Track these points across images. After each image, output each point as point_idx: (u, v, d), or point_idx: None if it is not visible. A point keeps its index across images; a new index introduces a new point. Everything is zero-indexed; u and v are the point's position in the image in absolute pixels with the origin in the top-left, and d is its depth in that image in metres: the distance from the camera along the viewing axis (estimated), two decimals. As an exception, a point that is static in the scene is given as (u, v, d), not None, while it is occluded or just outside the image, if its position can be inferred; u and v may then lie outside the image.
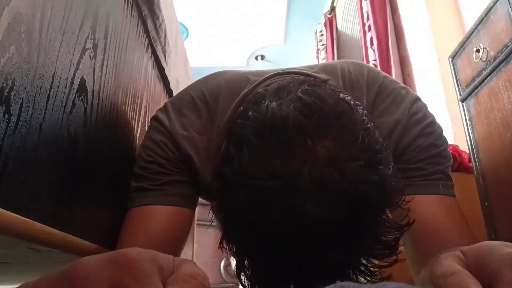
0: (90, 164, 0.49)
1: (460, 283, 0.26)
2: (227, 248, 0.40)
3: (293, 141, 0.34)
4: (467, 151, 1.05)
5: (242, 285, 0.40)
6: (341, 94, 0.40)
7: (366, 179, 0.33)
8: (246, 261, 0.39)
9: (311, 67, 0.62)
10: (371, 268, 0.37)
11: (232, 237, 0.39)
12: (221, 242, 0.40)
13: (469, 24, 1.17)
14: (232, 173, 0.36)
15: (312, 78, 0.54)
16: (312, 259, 0.34)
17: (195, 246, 1.37)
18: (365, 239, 0.35)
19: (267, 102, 0.38)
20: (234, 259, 0.40)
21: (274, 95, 0.39)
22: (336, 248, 0.33)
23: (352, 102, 0.39)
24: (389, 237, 0.37)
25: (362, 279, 0.37)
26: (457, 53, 1.06)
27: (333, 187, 0.32)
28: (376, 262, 0.38)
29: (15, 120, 0.32)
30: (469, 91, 0.99)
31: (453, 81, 1.07)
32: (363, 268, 0.36)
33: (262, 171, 0.33)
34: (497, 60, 0.86)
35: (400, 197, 0.38)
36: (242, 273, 0.39)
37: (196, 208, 0.60)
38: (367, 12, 2.15)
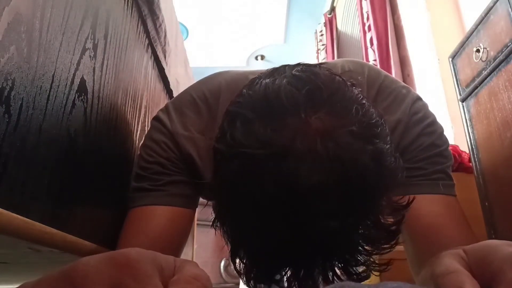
0: (90, 164, 0.49)
1: (457, 282, 0.26)
2: (221, 231, 0.39)
3: (286, 113, 0.33)
4: (467, 151, 1.05)
5: (237, 271, 0.38)
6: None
7: (361, 148, 0.32)
8: (241, 245, 0.38)
9: None
10: (369, 248, 0.35)
11: (226, 216, 0.38)
12: (213, 223, 0.39)
13: (469, 24, 1.17)
14: (224, 145, 0.35)
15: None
16: (307, 231, 0.33)
17: (195, 246, 1.37)
18: (362, 213, 0.34)
19: (261, 80, 0.38)
20: (228, 244, 0.39)
21: (268, 75, 0.39)
22: (331, 217, 0.32)
23: (347, 82, 0.38)
24: (388, 220, 0.36)
25: (361, 259, 0.35)
26: (457, 53, 1.06)
27: (326, 155, 0.31)
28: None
29: (15, 120, 0.32)
30: (469, 91, 0.99)
31: (453, 81, 1.07)
32: (361, 249, 0.35)
33: (254, 140, 0.33)
34: (497, 60, 0.86)
35: (399, 177, 0.37)
36: (238, 259, 0.38)
37: (196, 208, 0.60)
38: (367, 12, 2.15)
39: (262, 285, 0.39)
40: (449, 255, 0.30)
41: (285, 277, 0.36)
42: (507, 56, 0.84)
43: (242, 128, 0.34)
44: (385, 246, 0.36)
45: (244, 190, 0.34)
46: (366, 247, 0.35)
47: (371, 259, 0.36)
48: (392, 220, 0.36)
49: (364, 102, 0.36)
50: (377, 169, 0.33)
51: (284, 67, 0.41)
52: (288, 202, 0.32)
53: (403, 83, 0.60)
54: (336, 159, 0.31)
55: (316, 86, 0.35)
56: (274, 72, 0.40)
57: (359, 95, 0.37)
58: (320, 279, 0.35)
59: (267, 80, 0.37)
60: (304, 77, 0.36)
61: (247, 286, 0.39)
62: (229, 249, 0.38)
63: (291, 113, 0.33)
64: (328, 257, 0.35)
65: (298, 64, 0.40)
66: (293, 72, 0.37)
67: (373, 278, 0.92)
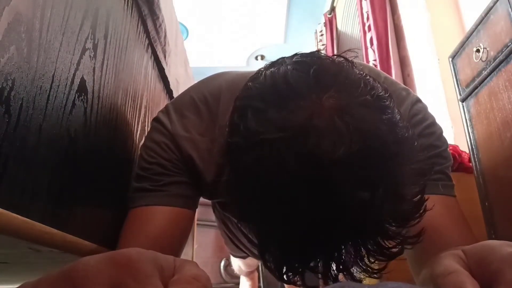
0: (90, 164, 0.49)
1: (457, 283, 0.26)
2: (247, 231, 0.38)
3: (297, 96, 0.33)
4: (467, 151, 1.05)
5: (268, 268, 0.37)
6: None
7: (377, 118, 0.33)
8: (271, 237, 0.37)
9: None
10: (399, 222, 0.35)
11: (251, 210, 0.37)
12: (239, 222, 0.39)
13: (469, 24, 1.17)
14: (240, 138, 0.35)
15: None
16: (339, 206, 0.32)
17: (195, 246, 1.37)
18: (389, 182, 0.33)
19: (264, 71, 0.38)
20: (256, 241, 0.38)
21: (269, 67, 0.39)
22: (361, 188, 0.32)
23: (348, 60, 0.39)
24: (413, 189, 0.36)
25: (392, 234, 0.35)
26: (457, 53, 1.06)
27: (346, 128, 0.31)
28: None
29: (15, 120, 0.32)
30: (469, 91, 0.99)
31: (453, 81, 1.07)
32: (391, 221, 0.34)
33: (270, 127, 0.32)
34: (497, 60, 0.86)
35: (415, 145, 0.37)
36: (267, 255, 0.37)
37: (197, 209, 0.60)
38: (367, 12, 2.15)
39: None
40: (448, 256, 0.30)
41: (319, 266, 0.35)
42: (507, 56, 0.84)
43: (256, 118, 0.34)
44: (413, 217, 0.36)
45: (269, 176, 0.33)
46: (395, 220, 0.35)
47: (402, 233, 0.36)
48: (415, 190, 0.36)
49: (368, 77, 0.37)
50: (394, 137, 0.33)
51: (282, 58, 0.41)
52: (316, 179, 0.31)
53: (402, 85, 0.60)
54: (356, 131, 0.31)
55: (321, 67, 0.35)
56: (274, 64, 0.40)
57: (362, 72, 0.38)
58: (352, 263, 0.35)
59: (272, 69, 0.37)
60: (307, 60, 0.36)
61: (281, 281, 0.38)
62: (258, 247, 0.38)
63: (302, 95, 0.33)
64: (360, 233, 0.34)
65: (296, 54, 0.41)
66: (294, 59, 0.38)
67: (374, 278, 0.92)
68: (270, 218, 0.35)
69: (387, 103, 0.35)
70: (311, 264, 0.36)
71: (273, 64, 0.40)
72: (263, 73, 0.38)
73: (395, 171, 0.34)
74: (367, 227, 0.34)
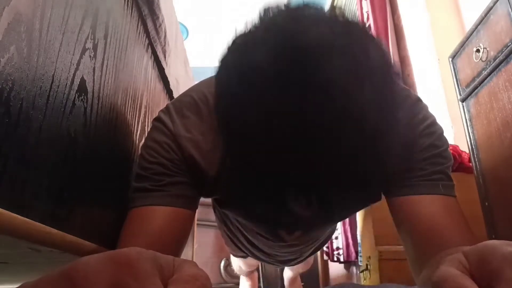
0: (90, 164, 0.49)
1: (455, 284, 0.26)
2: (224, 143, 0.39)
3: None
4: (467, 151, 1.05)
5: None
6: None
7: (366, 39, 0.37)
8: (246, 148, 0.38)
9: None
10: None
11: (230, 112, 0.40)
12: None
13: (469, 24, 1.17)
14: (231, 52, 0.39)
15: None
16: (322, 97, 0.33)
17: (195, 246, 1.38)
18: (371, 87, 0.35)
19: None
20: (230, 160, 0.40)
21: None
22: (346, 76, 0.33)
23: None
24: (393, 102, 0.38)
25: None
26: (457, 53, 1.06)
27: (335, 23, 0.36)
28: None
29: (15, 120, 0.32)
30: (469, 91, 0.99)
31: (453, 81, 1.07)
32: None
33: (262, 28, 0.38)
34: (497, 60, 0.86)
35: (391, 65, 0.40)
36: (240, 178, 0.39)
37: (197, 209, 0.60)
38: (367, 12, 2.15)
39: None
40: (447, 261, 0.30)
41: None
42: (507, 56, 0.84)
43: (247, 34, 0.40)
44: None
45: (259, 57, 0.36)
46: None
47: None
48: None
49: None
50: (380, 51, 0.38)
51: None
52: (301, 61, 0.34)
53: (402, 85, 0.60)
54: (346, 26, 0.38)
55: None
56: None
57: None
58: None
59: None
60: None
61: (257, 221, 0.40)
62: (230, 165, 0.40)
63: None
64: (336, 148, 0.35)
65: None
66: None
67: (373, 278, 0.92)
68: (253, 118, 0.37)
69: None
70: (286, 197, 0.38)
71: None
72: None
73: (378, 87, 0.36)
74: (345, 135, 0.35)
